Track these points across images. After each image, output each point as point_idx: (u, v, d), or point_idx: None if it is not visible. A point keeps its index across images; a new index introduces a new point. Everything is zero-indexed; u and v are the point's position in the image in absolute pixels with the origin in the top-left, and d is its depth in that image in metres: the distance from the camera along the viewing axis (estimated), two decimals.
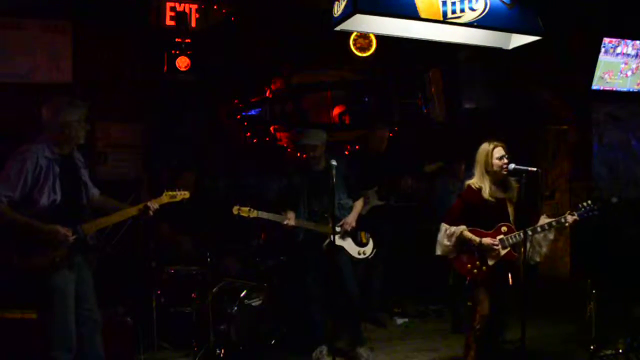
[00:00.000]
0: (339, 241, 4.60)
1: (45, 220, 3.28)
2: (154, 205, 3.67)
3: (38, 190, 3.30)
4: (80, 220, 3.45)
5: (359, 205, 4.79)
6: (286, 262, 5.14)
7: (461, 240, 3.85)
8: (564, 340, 5.02)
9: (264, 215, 4.45)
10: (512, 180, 3.92)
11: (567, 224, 3.89)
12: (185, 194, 3.84)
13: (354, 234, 4.71)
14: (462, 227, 3.85)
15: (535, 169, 3.72)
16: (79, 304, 3.49)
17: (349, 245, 4.69)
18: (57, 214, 3.34)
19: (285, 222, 4.47)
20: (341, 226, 4.61)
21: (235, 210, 4.40)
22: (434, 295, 5.97)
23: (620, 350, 4.44)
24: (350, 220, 4.66)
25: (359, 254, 4.72)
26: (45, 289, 3.34)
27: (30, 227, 3.27)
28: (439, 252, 3.97)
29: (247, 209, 4.41)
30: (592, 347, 4.48)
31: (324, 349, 4.58)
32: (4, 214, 3.23)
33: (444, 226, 3.92)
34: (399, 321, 5.72)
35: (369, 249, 4.78)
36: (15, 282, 3.45)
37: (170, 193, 3.78)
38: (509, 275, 3.88)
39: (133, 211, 3.62)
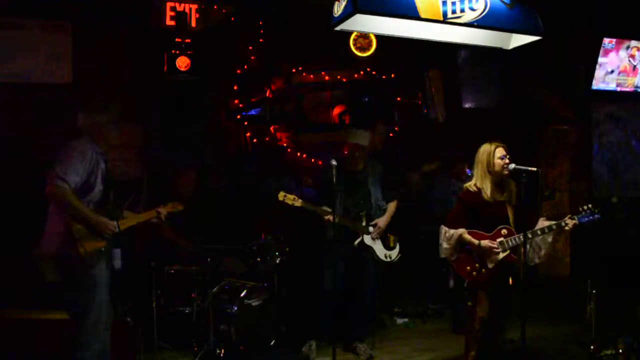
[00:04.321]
0: (369, 241, 4.67)
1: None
2: (163, 211, 3.97)
3: (94, 179, 3.48)
4: (113, 216, 3.59)
5: (392, 207, 4.85)
6: (286, 262, 5.12)
7: (460, 242, 3.85)
8: (564, 340, 5.01)
9: (307, 206, 4.48)
10: (511, 182, 3.92)
11: (567, 228, 3.88)
12: (180, 206, 4.17)
13: (383, 237, 4.74)
14: (462, 230, 3.84)
15: (535, 169, 3.72)
16: None
17: (377, 247, 4.74)
18: (101, 206, 3.52)
19: (326, 217, 4.47)
20: (373, 227, 4.65)
21: (280, 196, 4.44)
22: (434, 295, 5.97)
23: (620, 350, 4.44)
24: (382, 223, 4.72)
25: (386, 257, 4.77)
26: (85, 277, 3.43)
27: (89, 217, 3.41)
28: (441, 254, 3.98)
29: (292, 196, 4.45)
30: (592, 347, 4.48)
31: (313, 343, 4.62)
32: (72, 199, 3.34)
33: (443, 229, 3.93)
34: (399, 321, 5.72)
35: (394, 252, 4.83)
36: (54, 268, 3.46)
37: (172, 204, 4.12)
38: (509, 276, 3.88)
39: (152, 214, 3.91)
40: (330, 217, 4.43)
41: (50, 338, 3.94)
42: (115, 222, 3.54)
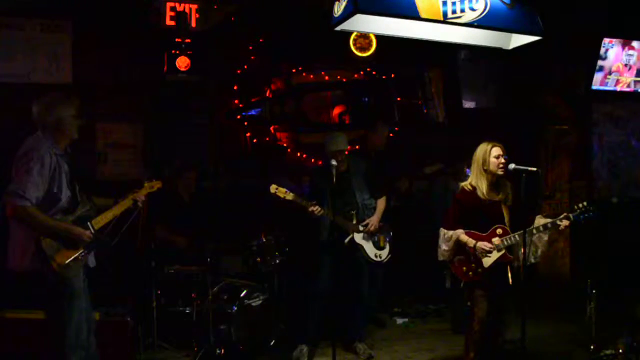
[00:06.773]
0: (360, 240, 4.64)
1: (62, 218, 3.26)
2: (139, 196, 3.65)
3: (57, 187, 3.25)
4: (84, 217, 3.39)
5: (381, 205, 4.80)
6: (287, 261, 5.13)
7: (458, 243, 3.86)
8: (564, 340, 5.02)
9: (297, 199, 4.45)
10: (507, 182, 3.92)
11: (561, 228, 3.87)
12: (158, 184, 3.85)
13: (373, 236, 4.73)
14: (459, 231, 3.85)
15: (535, 169, 3.72)
16: None
17: (368, 246, 4.71)
18: (69, 211, 3.31)
19: (310, 209, 4.43)
20: (366, 226, 4.64)
21: (272, 189, 4.40)
22: (434, 295, 5.97)
23: (620, 350, 4.44)
24: (375, 221, 4.68)
25: (376, 256, 4.74)
26: (63, 290, 3.25)
27: (60, 229, 3.21)
28: (440, 257, 3.99)
29: (284, 190, 4.41)
30: (592, 347, 4.48)
31: (304, 348, 4.60)
32: (35, 216, 3.13)
33: (442, 231, 3.94)
34: (399, 321, 5.72)
35: (385, 253, 4.80)
36: (27, 284, 3.31)
37: (149, 184, 3.80)
38: (509, 275, 3.88)
39: (127, 203, 3.58)
40: (315, 209, 4.42)
41: (32, 338, 3.83)
42: (89, 230, 3.32)
